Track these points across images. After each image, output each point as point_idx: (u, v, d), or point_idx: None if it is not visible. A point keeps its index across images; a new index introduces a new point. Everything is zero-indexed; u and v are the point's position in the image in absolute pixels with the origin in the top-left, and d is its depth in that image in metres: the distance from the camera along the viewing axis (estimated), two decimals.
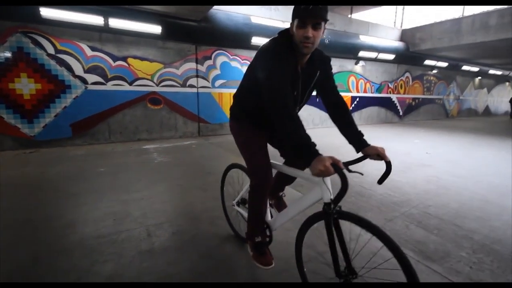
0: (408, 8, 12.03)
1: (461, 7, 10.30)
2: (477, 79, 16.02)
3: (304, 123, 1.22)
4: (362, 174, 1.22)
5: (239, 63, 7.53)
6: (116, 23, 5.57)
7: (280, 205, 2.02)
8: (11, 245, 2.04)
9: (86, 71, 5.59)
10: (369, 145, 1.38)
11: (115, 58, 5.86)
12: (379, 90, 11.02)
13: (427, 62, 11.60)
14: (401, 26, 11.46)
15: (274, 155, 1.79)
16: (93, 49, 5.63)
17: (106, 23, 5.48)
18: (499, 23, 8.01)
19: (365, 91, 10.46)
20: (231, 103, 1.76)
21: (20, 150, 5.08)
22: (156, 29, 6.00)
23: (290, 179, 1.93)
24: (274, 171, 1.69)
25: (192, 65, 6.85)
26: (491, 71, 15.23)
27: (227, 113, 7.45)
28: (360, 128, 1.48)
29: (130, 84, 6.08)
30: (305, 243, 1.48)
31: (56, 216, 2.50)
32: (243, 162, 1.78)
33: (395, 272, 1.07)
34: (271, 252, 1.73)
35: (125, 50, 5.97)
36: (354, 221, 1.17)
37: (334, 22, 8.64)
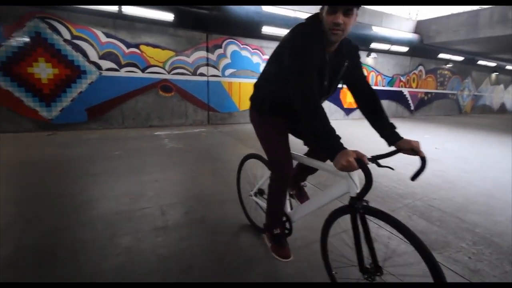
0: None
1: None
2: (494, 74, 15.54)
3: None
4: (392, 169, 1.16)
5: (249, 52, 7.54)
6: (129, 9, 5.65)
7: (301, 196, 1.97)
8: (40, 215, 2.22)
9: (100, 57, 5.73)
10: (402, 138, 1.31)
11: (128, 45, 5.97)
12: (390, 83, 10.87)
13: (442, 55, 11.31)
14: (416, 17, 11.15)
15: (296, 145, 1.82)
16: (107, 35, 5.74)
17: (120, 10, 5.56)
18: None
19: (376, 84, 10.33)
20: (252, 92, 1.69)
21: (39, 132, 5.31)
22: (168, 16, 6.05)
23: (312, 169, 1.84)
24: (295, 162, 1.67)
25: (203, 53, 6.91)
26: (509, 67, 14.74)
27: (237, 102, 7.54)
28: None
29: (143, 71, 6.20)
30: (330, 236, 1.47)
31: (78, 193, 2.68)
32: (250, 151, 1.82)
33: (421, 272, 1.08)
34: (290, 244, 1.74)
35: (137, 37, 6.06)
36: (381, 218, 1.14)
37: None
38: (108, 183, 2.95)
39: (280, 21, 7.04)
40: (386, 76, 10.63)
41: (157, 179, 3.14)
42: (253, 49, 7.56)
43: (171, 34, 6.41)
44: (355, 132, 6.38)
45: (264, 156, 1.72)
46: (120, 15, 5.66)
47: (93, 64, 5.67)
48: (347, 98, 9.70)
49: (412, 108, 12.14)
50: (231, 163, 3.88)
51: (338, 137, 1.13)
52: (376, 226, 2.18)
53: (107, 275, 1.60)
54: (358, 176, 1.21)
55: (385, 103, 10.92)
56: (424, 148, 1.28)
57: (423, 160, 1.21)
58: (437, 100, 13.13)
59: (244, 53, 7.49)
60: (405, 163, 2.00)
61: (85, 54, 5.57)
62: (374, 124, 1.41)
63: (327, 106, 9.21)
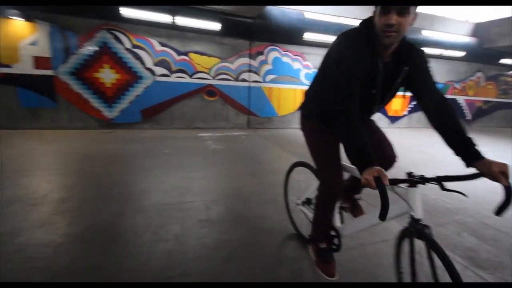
0: None
1: None
2: None
3: None
4: (465, 196, 1.04)
5: (290, 58, 7.64)
6: (181, 21, 6.17)
7: (355, 210, 1.83)
8: (105, 200, 2.57)
9: (155, 64, 6.33)
10: (484, 158, 1.08)
11: (179, 53, 6.50)
12: (442, 90, 10.03)
13: (504, 60, 10.16)
14: (473, 20, 10.21)
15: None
16: (161, 44, 6.33)
17: (173, 21, 6.11)
18: None
19: None
20: (302, 100, 1.66)
21: (101, 129, 6.04)
22: (215, 26, 6.47)
23: None
24: (347, 174, 1.60)
25: (246, 60, 7.20)
26: None
27: (276, 107, 7.68)
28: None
29: (191, 76, 6.69)
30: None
31: (135, 184, 3.03)
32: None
33: None
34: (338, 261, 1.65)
35: (187, 45, 6.57)
36: (431, 246, 1.06)
37: None
38: (159, 177, 3.27)
39: (322, 27, 7.05)
40: (438, 83, 9.84)
41: (201, 177, 3.39)
42: (294, 56, 7.66)
43: (217, 42, 6.81)
44: (399, 141, 6.06)
45: (313, 164, 1.66)
46: (173, 26, 6.21)
47: (148, 70, 6.29)
48: (392, 105, 9.23)
49: (469, 118, 11.06)
50: (269, 166, 4.00)
51: (369, 153, 1.08)
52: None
53: (159, 256, 1.81)
54: (420, 196, 1.13)
55: None
56: None
57: (508, 190, 0.98)
58: (500, 110, 11.76)
59: (285, 59, 7.62)
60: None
61: (142, 61, 6.21)
62: (447, 139, 1.19)
63: None
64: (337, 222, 1.65)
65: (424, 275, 1.17)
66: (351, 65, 1.17)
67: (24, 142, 4.69)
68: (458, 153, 1.16)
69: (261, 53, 7.32)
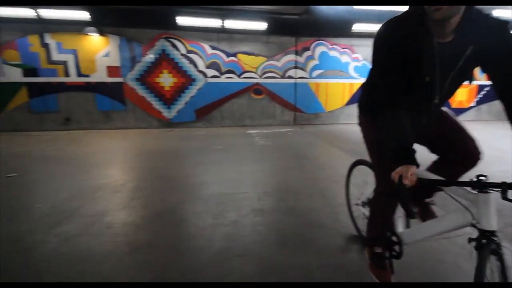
0: None
1: None
2: None
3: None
4: None
5: (338, 52, 7.42)
6: (230, 24, 6.48)
7: (426, 215, 1.60)
8: (169, 190, 2.92)
9: (206, 67, 6.78)
10: None
11: (228, 54, 6.84)
12: None
13: None
14: None
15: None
16: (212, 47, 6.74)
17: (223, 25, 6.45)
18: None
19: None
20: (360, 94, 1.55)
21: (161, 128, 6.71)
22: (262, 25, 6.63)
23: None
24: None
25: (292, 57, 7.22)
26: None
27: (323, 103, 7.55)
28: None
29: (239, 76, 6.99)
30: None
31: (193, 176, 3.36)
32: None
33: None
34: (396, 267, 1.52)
35: (235, 47, 6.87)
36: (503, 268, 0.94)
37: None
38: (214, 170, 3.56)
39: (373, 16, 6.66)
40: None
41: (252, 170, 3.58)
42: (342, 49, 7.41)
43: (263, 42, 6.98)
44: None
45: None
46: (222, 29, 6.56)
47: (201, 73, 6.77)
48: (456, 96, 8.28)
49: None
50: (317, 161, 4.01)
51: (406, 149, 1.02)
52: None
53: (219, 238, 2.02)
54: (495, 204, 0.97)
55: None
56: None
57: None
58: None
59: (333, 53, 7.42)
60: None
61: (195, 65, 6.71)
62: None
63: None
64: (399, 227, 1.48)
65: None
66: (392, 51, 1.08)
67: (100, 140, 5.49)
68: None
69: (307, 49, 7.27)
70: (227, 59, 6.86)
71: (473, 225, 1.01)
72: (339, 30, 7.03)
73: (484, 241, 0.96)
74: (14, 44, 5.91)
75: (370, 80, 1.42)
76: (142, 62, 6.47)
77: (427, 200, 1.64)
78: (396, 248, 1.46)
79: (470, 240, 1.00)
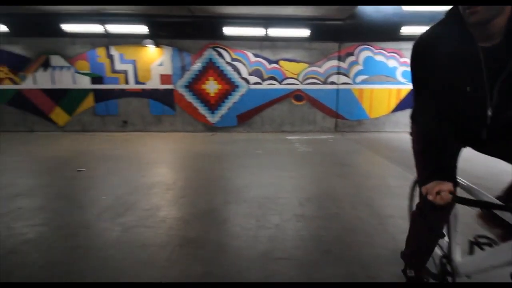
0: None
1: None
2: None
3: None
4: None
5: (385, 56, 7.10)
6: (273, 32, 6.64)
7: (507, 237, 1.29)
8: (213, 190, 3.10)
9: (249, 74, 7.01)
10: None
11: (270, 62, 7.00)
12: None
13: None
14: None
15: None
16: (255, 55, 6.96)
17: (266, 33, 6.64)
18: None
19: None
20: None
21: (206, 132, 7.09)
22: (304, 32, 6.66)
23: None
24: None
25: (334, 62, 7.11)
26: None
27: (367, 110, 7.27)
28: None
29: (280, 83, 7.09)
30: None
31: (236, 178, 3.50)
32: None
33: None
34: None
35: (278, 54, 7.00)
36: None
37: None
38: (256, 174, 3.67)
39: (423, 18, 6.25)
40: None
41: (293, 176, 3.61)
42: (389, 53, 7.08)
43: (306, 48, 7.00)
44: None
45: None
46: (265, 38, 6.75)
47: (244, 80, 7.02)
48: None
49: None
50: (360, 169, 3.89)
51: (441, 162, 0.96)
52: None
53: (263, 240, 2.09)
54: None
55: None
56: None
57: None
58: None
59: (379, 58, 7.13)
60: None
61: (239, 72, 6.99)
62: None
63: None
64: (457, 255, 1.26)
65: None
66: (432, 61, 1.02)
67: (152, 142, 6.00)
68: None
69: (351, 54, 7.09)
70: (269, 66, 7.02)
71: None
72: (386, 33, 6.74)
73: None
74: (85, 56, 6.80)
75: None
76: (191, 70, 6.94)
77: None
78: (449, 278, 1.27)
79: None
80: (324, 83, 7.17)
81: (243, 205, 2.71)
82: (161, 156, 4.86)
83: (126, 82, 6.92)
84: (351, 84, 7.20)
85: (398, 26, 6.55)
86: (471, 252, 1.28)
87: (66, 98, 6.99)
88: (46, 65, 6.82)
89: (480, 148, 1.19)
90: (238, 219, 2.44)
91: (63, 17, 6.20)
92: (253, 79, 7.05)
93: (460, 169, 1.20)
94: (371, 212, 2.55)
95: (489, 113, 1.05)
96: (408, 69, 6.00)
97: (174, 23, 6.46)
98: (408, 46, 6.95)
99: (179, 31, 6.62)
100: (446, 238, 1.36)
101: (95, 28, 6.39)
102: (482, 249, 1.24)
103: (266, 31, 6.58)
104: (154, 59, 6.86)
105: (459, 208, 1.23)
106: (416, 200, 1.83)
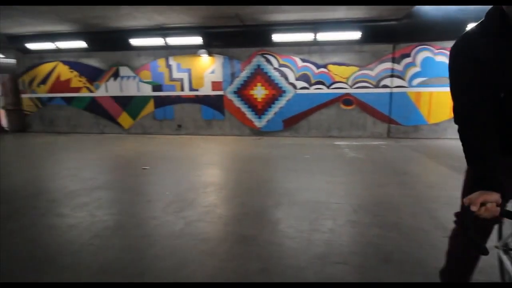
0: None
1: None
2: None
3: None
4: None
5: (447, 57, 6.48)
6: (322, 36, 6.58)
7: None
8: (264, 192, 3.19)
9: (296, 79, 7.04)
10: None
11: (318, 66, 6.93)
12: None
13: None
14: None
15: None
16: (303, 60, 6.97)
17: (315, 38, 6.61)
18: None
19: None
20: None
21: (252, 136, 7.29)
22: (355, 35, 6.46)
23: None
24: None
25: (388, 65, 6.74)
26: None
27: (425, 114, 6.73)
28: None
29: (328, 87, 6.96)
30: None
31: (286, 181, 3.55)
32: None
33: None
34: None
35: (326, 58, 6.90)
36: None
37: None
38: (306, 178, 3.67)
39: None
40: None
41: (344, 182, 3.53)
42: None
43: (356, 51, 6.78)
44: None
45: None
46: (314, 42, 6.72)
47: (290, 85, 7.07)
48: None
49: None
50: (420, 179, 3.63)
51: (487, 170, 0.89)
52: None
53: (318, 243, 2.10)
54: None
55: None
56: None
57: None
58: None
59: (439, 58, 6.55)
60: None
61: (286, 77, 7.06)
62: None
63: None
64: None
65: None
66: (472, 64, 0.96)
67: (204, 144, 6.37)
68: None
69: (407, 55, 6.65)
70: (317, 71, 6.95)
71: None
72: (449, 32, 6.15)
73: None
74: (148, 66, 7.57)
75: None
76: (240, 77, 7.24)
77: None
78: None
79: None
80: (376, 86, 6.83)
81: (295, 208, 2.75)
82: (213, 158, 5.15)
83: (182, 89, 7.50)
84: (406, 87, 6.74)
85: (463, 23, 5.95)
86: None
87: (131, 104, 7.85)
88: (116, 75, 7.77)
89: None
90: (291, 221, 2.48)
91: (131, 33, 7.01)
92: (300, 84, 7.05)
93: None
94: (436, 224, 2.37)
95: None
96: None
97: (226, 33, 6.83)
98: None
99: (231, 40, 6.97)
100: None
101: (157, 41, 7.08)
102: None
103: (315, 36, 6.55)
104: (207, 67, 7.32)
105: None
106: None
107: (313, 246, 2.07)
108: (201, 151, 5.68)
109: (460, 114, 1.03)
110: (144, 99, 7.75)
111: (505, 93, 0.98)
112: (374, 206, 2.78)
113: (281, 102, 7.18)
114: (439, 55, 6.57)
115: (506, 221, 1.39)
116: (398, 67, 6.71)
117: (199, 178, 3.81)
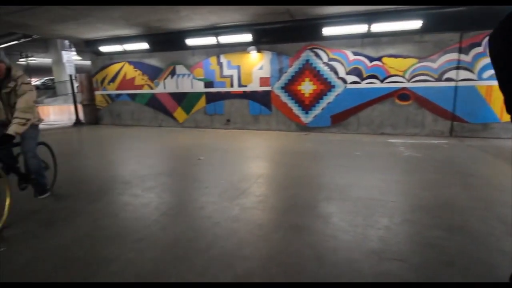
0: None
1: None
2: None
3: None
4: None
5: None
6: (377, 27, 6.23)
7: None
8: (314, 187, 3.22)
9: (347, 73, 6.79)
10: None
11: (371, 59, 6.59)
12: None
13: None
14: None
15: None
16: (354, 53, 6.69)
17: (369, 29, 6.28)
18: None
19: None
20: None
21: (299, 132, 7.29)
22: (415, 24, 5.98)
23: None
24: None
25: (453, 55, 6.09)
26: None
27: (497, 111, 6.00)
28: None
29: (382, 81, 6.58)
30: None
31: (336, 177, 3.52)
32: None
33: None
34: None
35: (381, 50, 6.51)
36: None
37: None
38: (358, 175, 3.59)
39: None
40: None
41: (399, 180, 3.37)
42: None
43: (415, 42, 6.27)
44: None
45: None
46: (368, 34, 6.40)
47: (340, 79, 6.86)
48: None
49: None
50: (490, 181, 3.28)
51: None
52: None
53: (373, 239, 2.08)
54: None
55: None
56: None
57: None
58: None
59: None
60: None
61: (336, 72, 6.87)
62: None
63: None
64: None
65: None
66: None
67: (252, 138, 6.59)
68: None
69: (477, 45, 5.92)
70: (370, 64, 6.61)
71: None
72: None
73: None
74: (201, 64, 8.05)
75: None
76: (288, 72, 7.26)
77: None
78: None
79: None
80: (438, 79, 6.24)
81: (348, 203, 2.73)
82: (262, 152, 5.31)
83: (231, 86, 7.82)
84: (475, 80, 6.03)
85: None
86: None
87: (185, 100, 8.46)
88: (173, 73, 8.43)
89: None
90: (344, 215, 2.49)
91: (187, 33, 7.53)
92: (351, 78, 6.78)
93: None
94: (508, 230, 2.15)
95: None
96: None
97: (276, 29, 6.90)
98: None
99: (280, 36, 7.02)
100: None
101: (210, 40, 7.49)
102: None
103: (369, 27, 6.24)
104: (255, 64, 7.50)
105: None
106: None
107: (368, 241, 2.06)
108: (250, 145, 5.90)
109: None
110: (197, 95, 8.28)
111: None
112: (435, 207, 2.62)
113: (330, 98, 7.02)
114: None
115: None
116: (466, 58, 6.03)
117: (250, 169, 4.00)
